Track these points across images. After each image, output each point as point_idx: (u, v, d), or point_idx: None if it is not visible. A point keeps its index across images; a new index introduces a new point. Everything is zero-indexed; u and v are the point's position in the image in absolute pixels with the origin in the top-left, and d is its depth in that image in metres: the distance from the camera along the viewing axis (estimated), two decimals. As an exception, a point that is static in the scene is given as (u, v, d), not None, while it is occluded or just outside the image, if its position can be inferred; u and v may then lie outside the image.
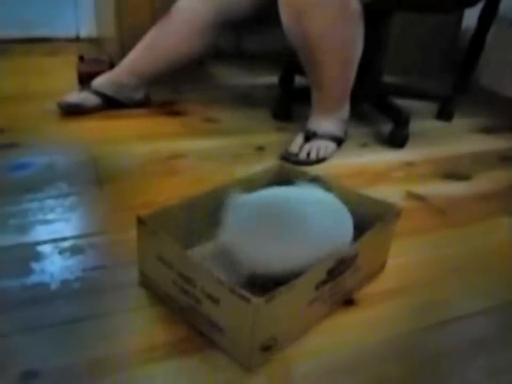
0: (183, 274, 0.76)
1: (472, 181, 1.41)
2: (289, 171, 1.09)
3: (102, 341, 0.78)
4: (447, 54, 2.38)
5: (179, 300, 0.79)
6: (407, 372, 0.76)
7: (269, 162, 1.39)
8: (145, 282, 0.88)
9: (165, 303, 0.84)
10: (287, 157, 1.41)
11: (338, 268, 0.77)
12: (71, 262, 0.94)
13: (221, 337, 0.75)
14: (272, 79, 2.07)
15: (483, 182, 1.40)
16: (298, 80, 1.96)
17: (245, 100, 1.90)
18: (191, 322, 0.79)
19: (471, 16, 2.03)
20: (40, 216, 1.08)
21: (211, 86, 2.03)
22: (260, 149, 1.48)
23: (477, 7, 1.63)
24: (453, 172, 1.44)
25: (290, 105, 1.74)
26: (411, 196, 1.29)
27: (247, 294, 0.68)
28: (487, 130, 1.81)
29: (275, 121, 1.70)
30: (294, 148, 1.43)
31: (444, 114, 1.89)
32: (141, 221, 0.82)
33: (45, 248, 0.98)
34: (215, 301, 0.73)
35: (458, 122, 1.87)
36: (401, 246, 1.02)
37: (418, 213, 1.21)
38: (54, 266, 0.93)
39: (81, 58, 1.95)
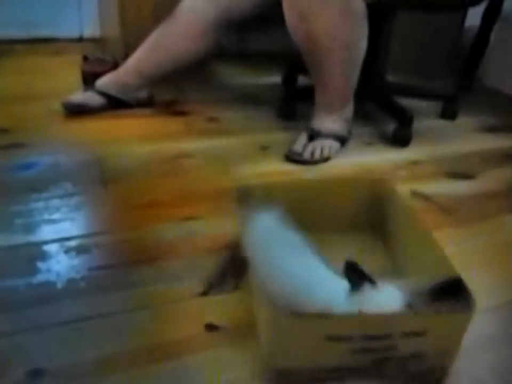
0: (369, 335, 0.69)
1: (477, 179, 1.41)
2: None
3: (108, 339, 0.78)
4: (451, 53, 2.38)
5: (357, 363, 0.72)
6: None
7: (273, 162, 1.40)
8: (286, 377, 0.72)
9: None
10: (291, 157, 1.41)
11: None
12: (77, 261, 0.95)
13: (421, 363, 0.73)
14: (276, 78, 2.07)
15: (488, 181, 1.40)
16: (302, 79, 1.96)
17: (248, 99, 1.90)
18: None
19: (474, 15, 2.03)
20: (45, 216, 1.08)
21: (215, 85, 2.03)
22: (264, 148, 1.48)
23: (480, 6, 1.63)
24: (457, 170, 1.44)
25: (294, 104, 1.74)
26: (416, 195, 1.29)
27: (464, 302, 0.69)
28: (492, 129, 1.81)
29: (279, 121, 1.70)
30: (298, 147, 1.43)
31: (448, 113, 1.88)
32: (297, 315, 0.68)
33: (51, 248, 0.98)
34: (420, 334, 0.70)
35: (463, 121, 1.86)
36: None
37: (423, 212, 1.21)
38: (60, 266, 0.93)
39: (85, 58, 1.95)
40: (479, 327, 0.85)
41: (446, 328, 0.72)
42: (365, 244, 1.03)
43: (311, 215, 0.93)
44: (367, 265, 0.75)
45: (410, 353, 0.72)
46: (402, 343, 0.70)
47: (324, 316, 0.67)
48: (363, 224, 1.06)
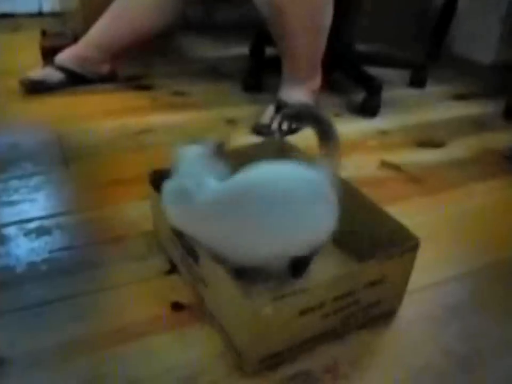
0: (338, 296, 0.70)
1: (446, 148, 1.40)
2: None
3: (72, 323, 0.76)
4: (420, 21, 2.36)
5: (328, 327, 0.73)
6: (382, 339, 0.76)
7: (240, 135, 1.37)
8: (266, 363, 0.70)
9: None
10: (258, 129, 1.38)
11: None
12: (37, 243, 0.91)
13: (379, 309, 0.77)
14: (243, 50, 2.02)
15: (457, 149, 1.40)
16: (269, 50, 1.93)
17: (214, 72, 1.86)
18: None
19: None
20: (4, 198, 1.04)
21: (180, 58, 1.98)
22: (231, 121, 1.45)
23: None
24: (426, 139, 1.44)
25: (261, 76, 1.71)
26: (385, 164, 1.28)
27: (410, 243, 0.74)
28: (460, 96, 1.81)
29: (246, 93, 1.67)
30: (265, 119, 1.40)
31: (417, 82, 1.87)
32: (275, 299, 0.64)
33: (10, 231, 0.94)
34: (377, 282, 0.73)
35: (431, 89, 1.86)
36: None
37: (393, 182, 1.21)
38: (19, 249, 0.90)
39: (44, 33, 1.88)
40: (447, 295, 0.85)
41: (398, 271, 0.75)
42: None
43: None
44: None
45: (370, 303, 0.75)
46: (364, 295, 0.73)
47: (299, 291, 0.65)
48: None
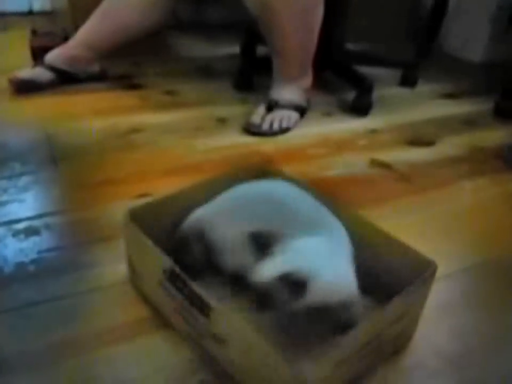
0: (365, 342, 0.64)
1: (436, 146, 1.41)
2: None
3: (60, 324, 0.75)
4: (411, 21, 2.36)
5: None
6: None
7: (231, 134, 1.37)
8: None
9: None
10: (249, 129, 1.38)
11: None
12: (26, 244, 0.91)
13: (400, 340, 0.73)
14: (234, 49, 2.02)
15: (447, 147, 1.40)
16: (261, 49, 1.92)
17: (205, 71, 1.86)
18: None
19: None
20: (-8, 199, 1.03)
21: (170, 57, 1.98)
22: (222, 120, 1.45)
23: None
24: (417, 138, 1.44)
25: (252, 75, 1.70)
26: (375, 163, 1.28)
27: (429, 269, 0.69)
28: (451, 95, 1.81)
29: (237, 92, 1.66)
30: (256, 119, 1.40)
31: (408, 81, 1.88)
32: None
33: (-2, 231, 0.94)
34: (402, 317, 0.68)
35: (422, 88, 1.86)
36: (366, 215, 1.01)
37: (383, 181, 1.21)
38: (8, 250, 0.89)
39: (34, 33, 1.87)
40: (438, 295, 0.85)
41: (417, 300, 0.72)
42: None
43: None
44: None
45: (393, 337, 0.71)
46: (387, 332, 0.68)
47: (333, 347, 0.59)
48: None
